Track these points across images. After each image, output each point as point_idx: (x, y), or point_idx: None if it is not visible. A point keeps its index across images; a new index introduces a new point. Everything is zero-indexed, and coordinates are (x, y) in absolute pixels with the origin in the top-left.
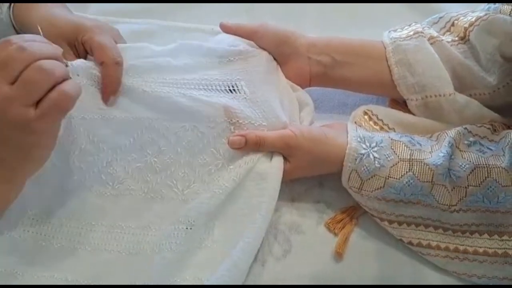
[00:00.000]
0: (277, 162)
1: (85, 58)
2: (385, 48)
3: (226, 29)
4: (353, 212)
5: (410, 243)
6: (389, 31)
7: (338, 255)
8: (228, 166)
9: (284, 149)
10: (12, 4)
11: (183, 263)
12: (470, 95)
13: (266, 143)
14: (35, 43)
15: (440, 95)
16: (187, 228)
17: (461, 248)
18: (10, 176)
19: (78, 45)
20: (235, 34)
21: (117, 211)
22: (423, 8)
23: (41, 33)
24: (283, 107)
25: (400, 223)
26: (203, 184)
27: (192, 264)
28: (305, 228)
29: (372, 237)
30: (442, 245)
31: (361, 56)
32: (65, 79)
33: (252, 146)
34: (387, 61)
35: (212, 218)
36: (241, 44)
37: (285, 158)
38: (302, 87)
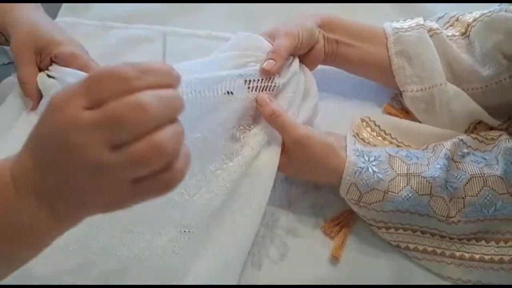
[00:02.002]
0: (273, 158)
1: (46, 68)
2: (387, 38)
3: (276, 71)
4: (349, 216)
5: (407, 248)
6: (392, 21)
7: (335, 259)
8: (229, 164)
9: (292, 141)
10: None
11: (186, 266)
12: (463, 90)
13: (281, 121)
14: (160, 93)
15: (433, 86)
16: (189, 232)
17: (458, 254)
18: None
19: (44, 57)
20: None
21: (128, 216)
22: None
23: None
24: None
25: (396, 229)
26: (210, 187)
27: (194, 268)
28: (301, 232)
29: (368, 240)
30: (439, 251)
31: (361, 40)
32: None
33: (269, 111)
34: (387, 51)
35: (212, 219)
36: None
37: (284, 152)
38: (316, 66)
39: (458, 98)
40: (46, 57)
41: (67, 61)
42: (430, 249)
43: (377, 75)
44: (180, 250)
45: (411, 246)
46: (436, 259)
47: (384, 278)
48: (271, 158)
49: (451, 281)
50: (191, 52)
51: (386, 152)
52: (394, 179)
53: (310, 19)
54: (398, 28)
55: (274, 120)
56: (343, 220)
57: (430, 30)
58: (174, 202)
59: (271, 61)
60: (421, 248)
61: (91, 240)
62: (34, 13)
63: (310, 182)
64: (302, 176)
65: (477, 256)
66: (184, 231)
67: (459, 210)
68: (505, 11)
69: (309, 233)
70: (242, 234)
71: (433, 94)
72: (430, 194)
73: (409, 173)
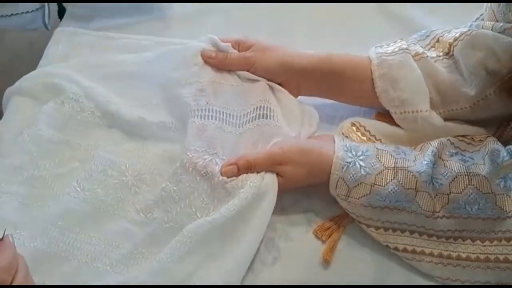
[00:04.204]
0: (271, 179)
1: None
2: (371, 62)
3: (207, 62)
4: (340, 220)
5: (396, 248)
6: (376, 47)
7: (326, 262)
8: (240, 190)
9: (274, 166)
10: None
11: (186, 274)
12: (452, 110)
13: (257, 165)
14: None
15: (416, 111)
16: (189, 242)
17: (445, 253)
18: None
19: None
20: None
21: (141, 237)
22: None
23: None
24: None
25: (386, 229)
26: (218, 208)
27: (195, 275)
28: (293, 236)
29: (358, 244)
30: (427, 251)
31: (349, 78)
32: None
33: (244, 171)
34: (371, 74)
35: (214, 232)
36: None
37: (277, 173)
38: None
39: (445, 127)
40: None
41: None
42: (419, 249)
43: (363, 103)
44: (179, 259)
45: (400, 247)
46: (425, 260)
47: (374, 280)
48: (272, 181)
49: (440, 281)
50: None
51: (375, 146)
52: (381, 172)
53: (281, 60)
54: (381, 53)
55: (253, 167)
56: (334, 224)
57: (416, 55)
58: (181, 223)
59: (213, 54)
60: (410, 249)
61: (103, 256)
62: None
63: (302, 191)
64: (300, 184)
65: (464, 255)
66: (185, 241)
67: (443, 206)
68: (482, 27)
69: (301, 237)
70: (243, 251)
71: (416, 118)
72: (416, 188)
73: (396, 167)
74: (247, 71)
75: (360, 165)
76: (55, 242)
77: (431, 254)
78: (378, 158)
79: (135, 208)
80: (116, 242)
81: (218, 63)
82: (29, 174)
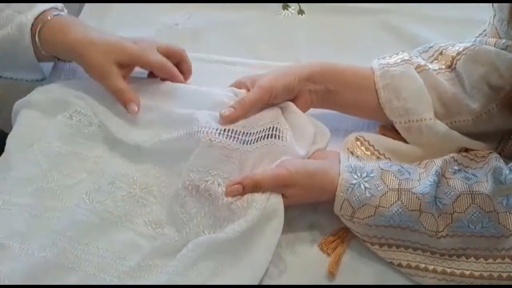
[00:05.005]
0: (277, 200)
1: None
2: (374, 73)
3: (234, 119)
4: (345, 234)
5: (400, 265)
6: (378, 59)
7: (331, 275)
8: (245, 211)
9: (279, 187)
10: (39, 28)
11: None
12: (455, 121)
13: (262, 185)
14: None
15: (421, 120)
16: (195, 256)
17: (449, 270)
18: None
19: (131, 67)
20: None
21: (148, 249)
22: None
23: None
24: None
25: (389, 246)
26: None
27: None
28: (299, 249)
29: (363, 257)
30: (430, 267)
31: (352, 87)
32: None
33: (249, 190)
34: (375, 85)
35: (220, 251)
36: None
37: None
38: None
39: (449, 136)
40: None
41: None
42: (422, 265)
43: (367, 115)
44: (184, 271)
45: (404, 263)
46: (429, 276)
47: None
48: (278, 202)
49: None
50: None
51: (379, 166)
52: (385, 194)
53: (292, 74)
54: (384, 64)
55: (259, 188)
56: (339, 238)
57: (418, 66)
58: (189, 240)
59: (232, 108)
60: (413, 265)
61: (110, 268)
62: (91, 31)
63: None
64: (305, 202)
65: (467, 273)
66: (190, 255)
67: (447, 225)
68: (485, 43)
69: (307, 250)
70: (251, 270)
71: (421, 126)
72: (420, 210)
73: (400, 189)
74: (268, 100)
75: (365, 187)
76: (63, 252)
77: (434, 271)
78: (382, 179)
79: (143, 220)
80: (123, 254)
81: (241, 109)
82: (38, 186)
